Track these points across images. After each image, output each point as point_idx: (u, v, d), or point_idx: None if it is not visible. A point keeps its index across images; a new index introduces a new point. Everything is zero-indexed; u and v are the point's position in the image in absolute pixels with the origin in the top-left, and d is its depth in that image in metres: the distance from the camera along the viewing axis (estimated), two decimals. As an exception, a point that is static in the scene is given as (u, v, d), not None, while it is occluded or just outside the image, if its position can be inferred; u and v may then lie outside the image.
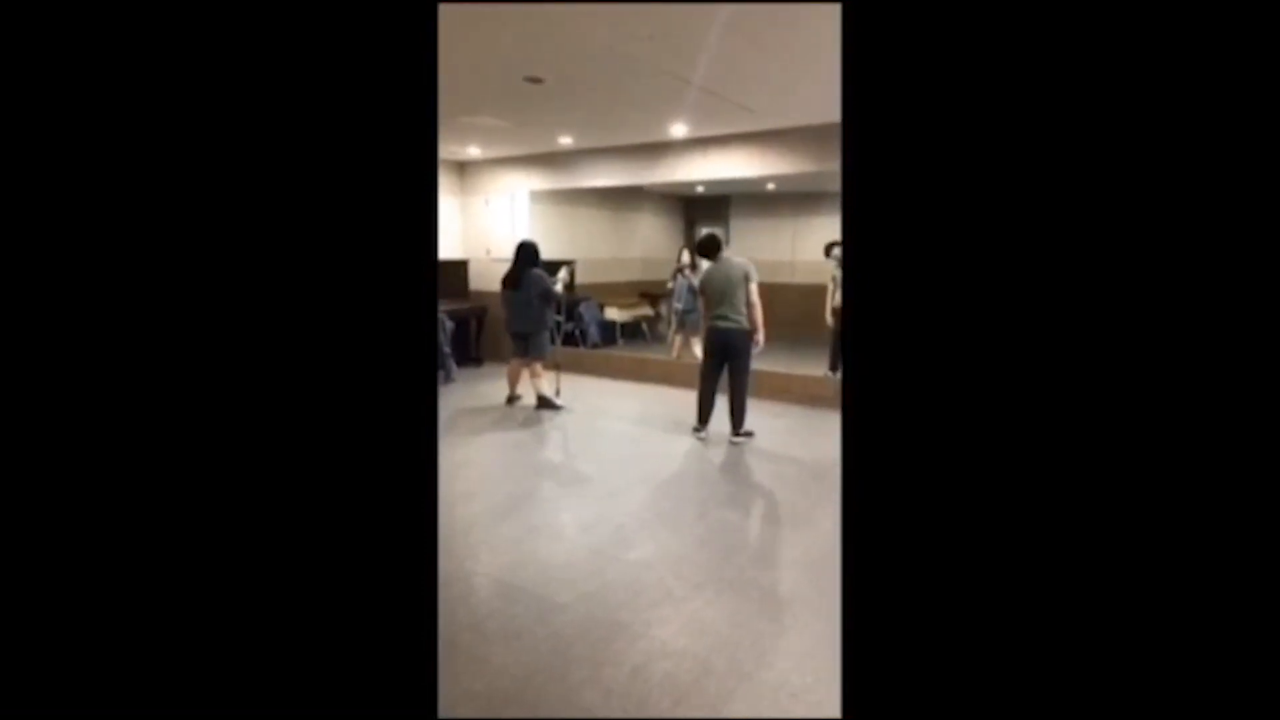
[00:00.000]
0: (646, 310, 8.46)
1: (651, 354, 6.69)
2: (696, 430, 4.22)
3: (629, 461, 3.81)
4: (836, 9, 2.64)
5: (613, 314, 7.91)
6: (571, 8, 2.66)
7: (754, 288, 3.90)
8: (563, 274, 5.01)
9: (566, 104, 4.31)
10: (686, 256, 5.97)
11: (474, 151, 6.31)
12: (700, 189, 8.77)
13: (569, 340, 7.03)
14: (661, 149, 5.73)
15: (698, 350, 6.19)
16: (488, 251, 6.92)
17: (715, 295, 3.95)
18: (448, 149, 6.17)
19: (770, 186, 7.97)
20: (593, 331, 7.40)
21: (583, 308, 7.37)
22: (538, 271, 4.75)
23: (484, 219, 7.00)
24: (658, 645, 2.00)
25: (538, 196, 6.92)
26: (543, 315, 4.80)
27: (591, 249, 8.36)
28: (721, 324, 3.93)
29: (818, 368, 5.62)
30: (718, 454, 3.96)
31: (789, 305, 8.02)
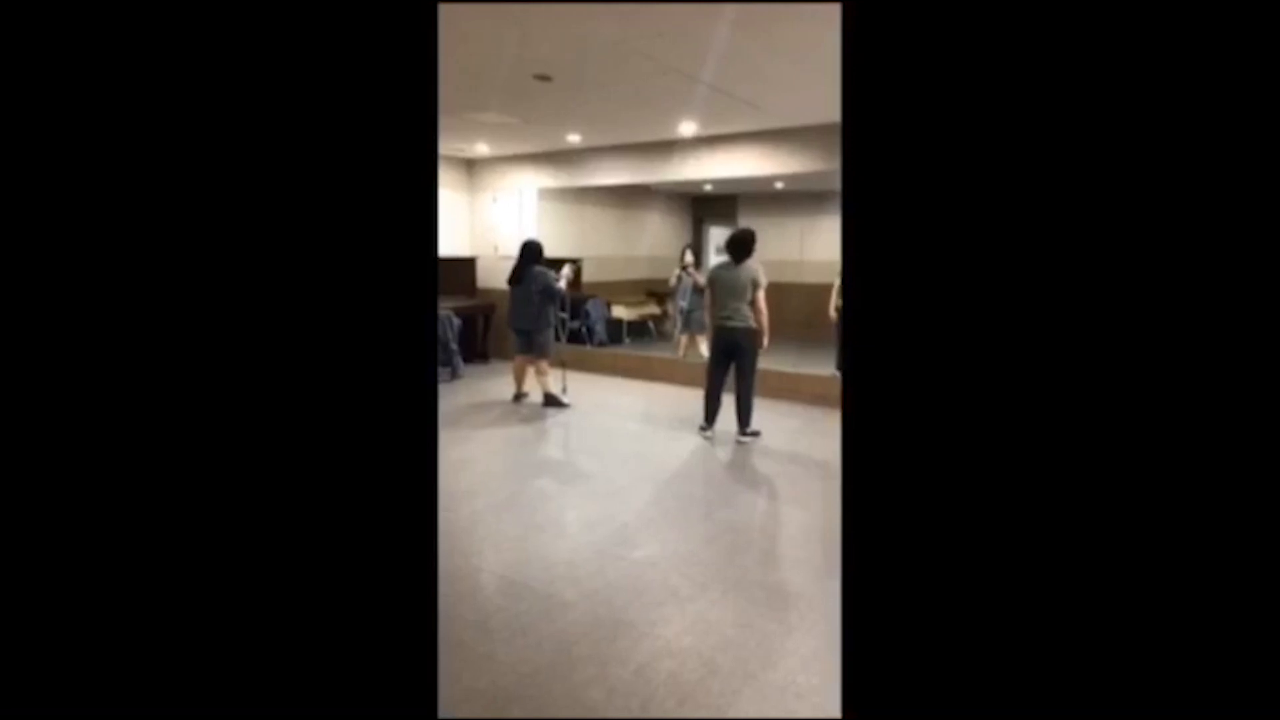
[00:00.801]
0: (653, 309, 8.45)
1: (658, 352, 6.68)
2: (703, 429, 4.22)
3: (634, 460, 3.80)
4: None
5: (619, 312, 7.91)
6: (580, 5, 2.65)
7: (761, 294, 3.90)
8: (565, 271, 5.01)
9: (575, 101, 4.30)
10: (690, 256, 5.96)
11: (482, 149, 6.31)
12: (708, 188, 8.75)
13: (575, 338, 7.02)
14: (670, 147, 5.71)
15: (704, 349, 6.19)
16: (495, 249, 6.92)
17: (722, 295, 3.94)
18: (456, 146, 6.17)
19: (779, 185, 7.94)
20: (599, 330, 7.40)
21: (589, 306, 7.37)
22: (540, 269, 4.77)
23: (492, 216, 7.00)
24: (662, 644, 1.99)
25: (546, 194, 6.92)
26: (545, 312, 4.82)
27: (599, 247, 8.36)
28: (728, 324, 3.93)
29: (825, 367, 5.60)
30: (724, 453, 3.95)
31: (797, 305, 7.99)
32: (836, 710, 1.70)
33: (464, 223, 7.11)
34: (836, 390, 5.13)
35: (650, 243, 9.35)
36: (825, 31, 2.94)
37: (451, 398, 5.27)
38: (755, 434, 4.11)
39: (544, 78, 3.69)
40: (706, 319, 4.57)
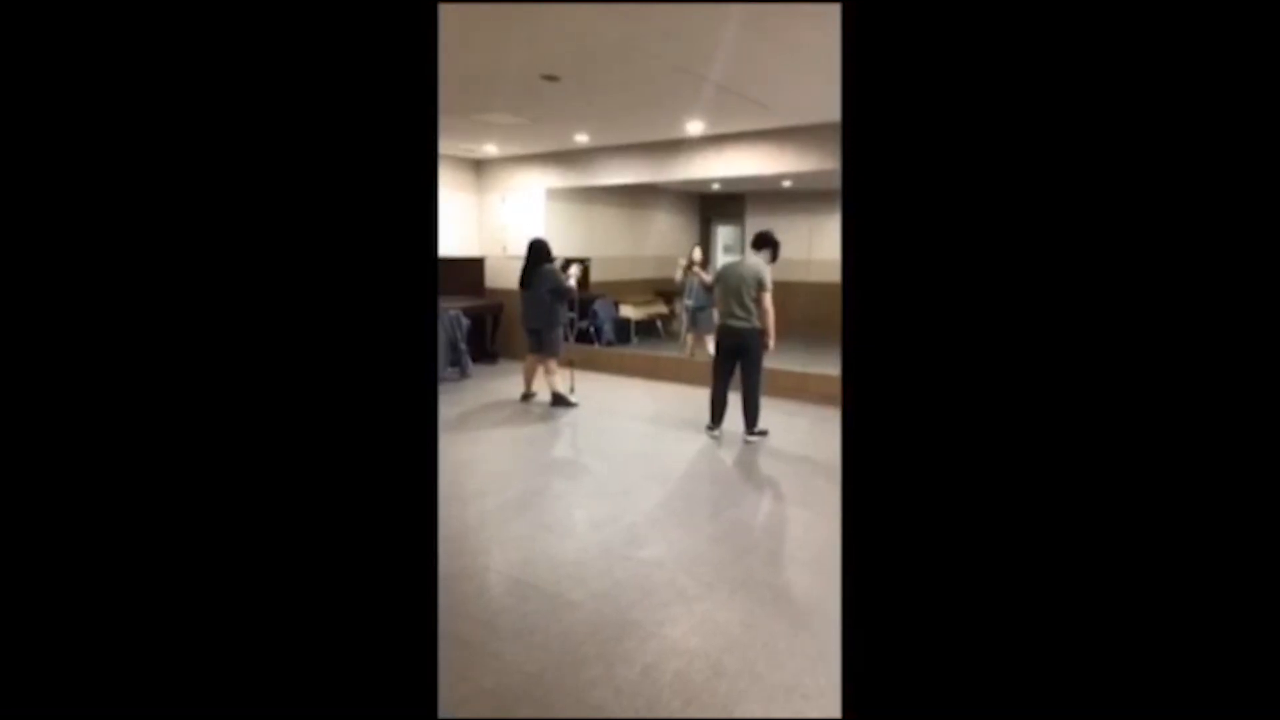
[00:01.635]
0: (662, 308, 8.45)
1: (666, 352, 6.68)
2: (710, 429, 4.21)
3: (641, 459, 3.80)
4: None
5: (628, 312, 7.91)
6: (587, 5, 2.65)
7: (767, 296, 3.86)
8: (573, 270, 5.02)
9: (583, 101, 4.30)
10: (698, 254, 5.95)
11: (490, 149, 6.33)
12: (716, 186, 8.74)
13: (584, 338, 7.03)
14: (677, 146, 5.71)
15: (711, 348, 6.19)
16: (504, 249, 6.94)
17: (727, 294, 3.94)
18: (464, 147, 6.19)
19: (786, 184, 7.92)
20: (607, 329, 7.40)
21: (598, 305, 7.38)
22: (549, 268, 4.78)
23: (500, 216, 7.02)
24: (669, 645, 1.99)
25: (554, 194, 6.93)
26: (555, 312, 4.84)
27: (607, 247, 8.36)
28: (732, 323, 3.92)
29: (833, 366, 5.59)
30: (730, 453, 3.94)
31: (804, 304, 7.97)
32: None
33: (472, 223, 7.13)
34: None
35: (658, 242, 9.35)
36: (831, 30, 2.93)
37: (460, 397, 5.29)
38: (763, 433, 4.10)
39: (551, 78, 3.69)
40: (715, 317, 4.57)
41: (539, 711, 1.70)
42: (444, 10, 2.51)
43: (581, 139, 5.78)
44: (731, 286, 3.92)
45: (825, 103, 4.27)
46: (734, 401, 4.12)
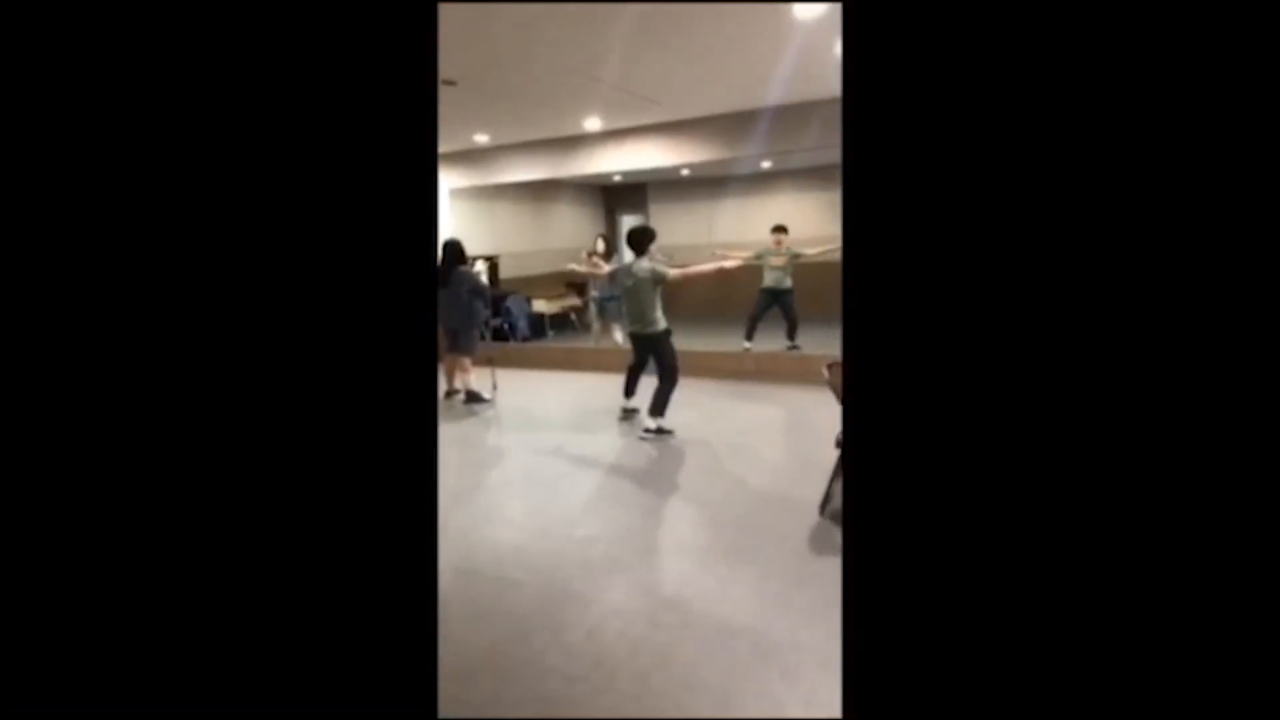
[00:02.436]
0: (574, 300, 8.58)
1: (581, 343, 6.85)
2: (625, 406, 4.45)
3: (568, 447, 3.97)
4: (728, 9, 2.86)
5: (540, 306, 8.00)
6: (480, 12, 2.77)
7: (672, 273, 3.94)
8: (480, 268, 5.13)
9: (481, 104, 4.38)
10: (601, 245, 6.15)
11: (387, 152, 6.25)
12: (618, 178, 8.93)
13: (499, 335, 7.08)
14: (577, 142, 5.86)
15: (618, 336, 6.43)
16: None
17: (627, 298, 4.05)
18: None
19: (684, 172, 8.21)
20: (522, 325, 7.48)
21: (510, 302, 7.43)
22: (465, 269, 4.85)
23: (403, 219, 6.93)
24: (610, 608, 2.19)
25: (457, 194, 6.92)
26: (472, 311, 4.92)
27: (514, 242, 8.41)
28: (636, 329, 4.08)
29: (735, 344, 5.94)
30: (648, 435, 4.17)
31: (706, 285, 8.29)
32: (811, 674, 1.95)
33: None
34: (748, 365, 5.49)
35: (564, 235, 9.47)
36: (712, 31, 3.17)
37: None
38: (665, 432, 4.06)
39: (450, 83, 3.76)
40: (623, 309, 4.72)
41: (500, 680, 1.85)
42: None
43: (482, 139, 5.83)
44: (629, 290, 3.99)
45: (711, 97, 4.54)
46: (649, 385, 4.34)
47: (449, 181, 6.62)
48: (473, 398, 5.07)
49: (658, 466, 3.60)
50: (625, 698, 1.76)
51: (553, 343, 7.35)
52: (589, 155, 5.86)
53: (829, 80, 4.16)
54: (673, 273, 3.96)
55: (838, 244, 6.48)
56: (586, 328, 8.06)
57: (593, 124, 5.33)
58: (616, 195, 10.32)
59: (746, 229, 8.44)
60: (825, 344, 5.59)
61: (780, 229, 5.93)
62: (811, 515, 2.84)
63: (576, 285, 8.69)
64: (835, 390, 2.84)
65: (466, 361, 5.02)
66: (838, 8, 2.91)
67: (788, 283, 5.88)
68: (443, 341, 5.04)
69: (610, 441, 4.07)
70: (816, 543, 2.61)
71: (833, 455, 2.93)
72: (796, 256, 5.85)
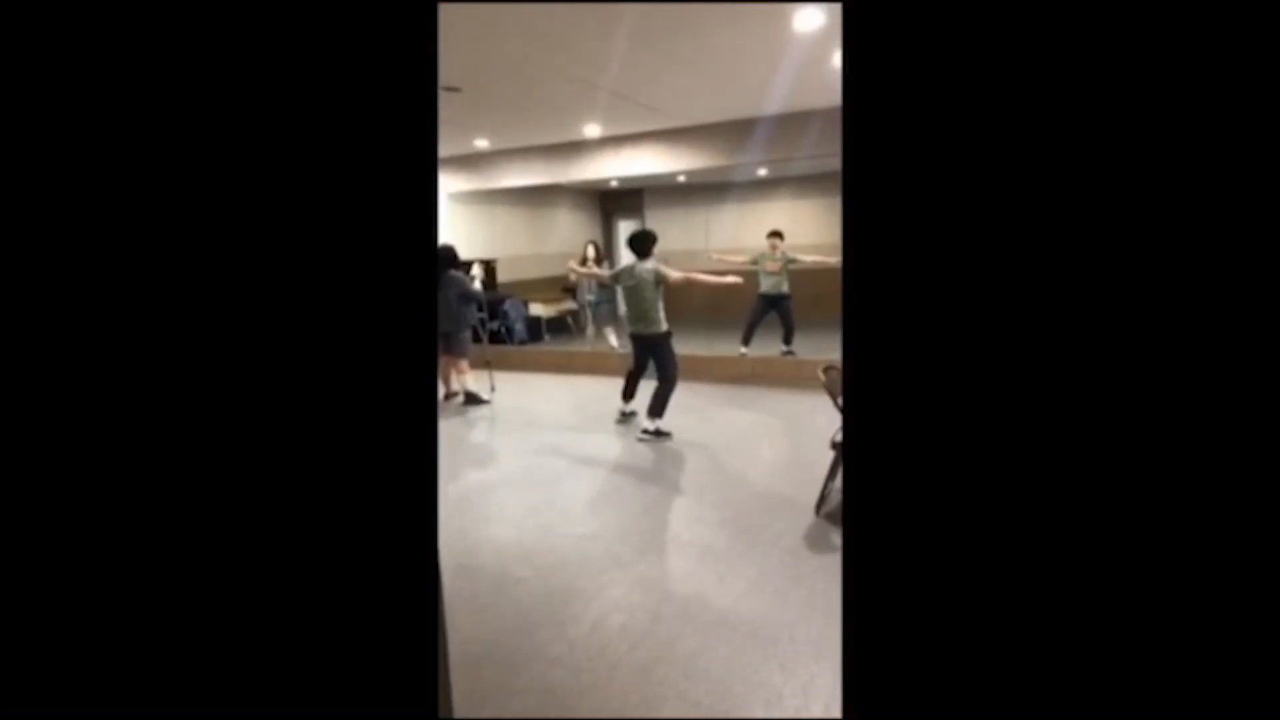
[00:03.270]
0: (571, 304, 8.64)
1: (577, 347, 6.91)
2: (623, 409, 4.50)
3: (565, 448, 4.03)
4: (728, 20, 2.94)
5: (537, 310, 8.06)
6: (487, 20, 2.83)
7: (674, 275, 4.01)
8: (475, 272, 5.20)
9: (482, 110, 4.45)
10: (591, 251, 6.23)
11: (388, 156, 6.31)
12: (615, 184, 9.01)
13: (496, 338, 7.14)
14: (576, 148, 5.93)
15: (612, 339, 6.51)
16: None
17: (628, 299, 4.13)
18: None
19: (681, 179, 8.29)
20: (519, 329, 7.53)
21: (508, 305, 7.49)
22: (456, 273, 4.93)
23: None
24: (611, 603, 2.24)
25: (457, 198, 6.98)
26: (463, 315, 4.99)
27: (512, 247, 8.47)
28: (636, 329, 4.15)
29: (734, 348, 6.00)
30: (646, 436, 4.23)
31: (705, 292, 8.36)
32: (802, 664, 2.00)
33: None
34: (745, 369, 5.55)
35: (562, 239, 9.53)
36: (714, 40, 3.25)
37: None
38: (663, 434, 4.12)
39: (453, 89, 3.83)
40: (620, 310, 4.79)
41: (503, 668, 1.90)
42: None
43: (482, 144, 5.89)
44: (631, 290, 4.07)
45: (711, 105, 4.62)
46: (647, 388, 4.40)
47: (448, 185, 6.68)
48: (471, 399, 5.13)
49: (656, 467, 3.66)
50: (628, 687, 1.81)
51: (549, 346, 7.40)
52: (588, 161, 5.93)
53: (825, 90, 4.24)
54: (675, 275, 4.02)
55: (832, 253, 6.61)
56: (583, 331, 8.12)
57: (592, 130, 5.40)
58: (613, 200, 10.39)
59: (743, 235, 8.52)
60: (820, 349, 5.67)
61: (776, 234, 6.02)
62: (807, 515, 2.90)
63: (572, 289, 8.76)
64: (831, 393, 2.91)
65: (464, 364, 5.09)
66: (836, 19, 2.99)
67: (784, 288, 5.95)
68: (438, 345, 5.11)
69: (609, 443, 4.12)
70: (812, 541, 2.67)
71: (828, 457, 2.99)
72: (792, 261, 5.92)
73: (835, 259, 6.38)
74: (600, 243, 8.43)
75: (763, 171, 8.18)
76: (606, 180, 8.05)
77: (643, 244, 4.08)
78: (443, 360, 5.19)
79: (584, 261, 5.72)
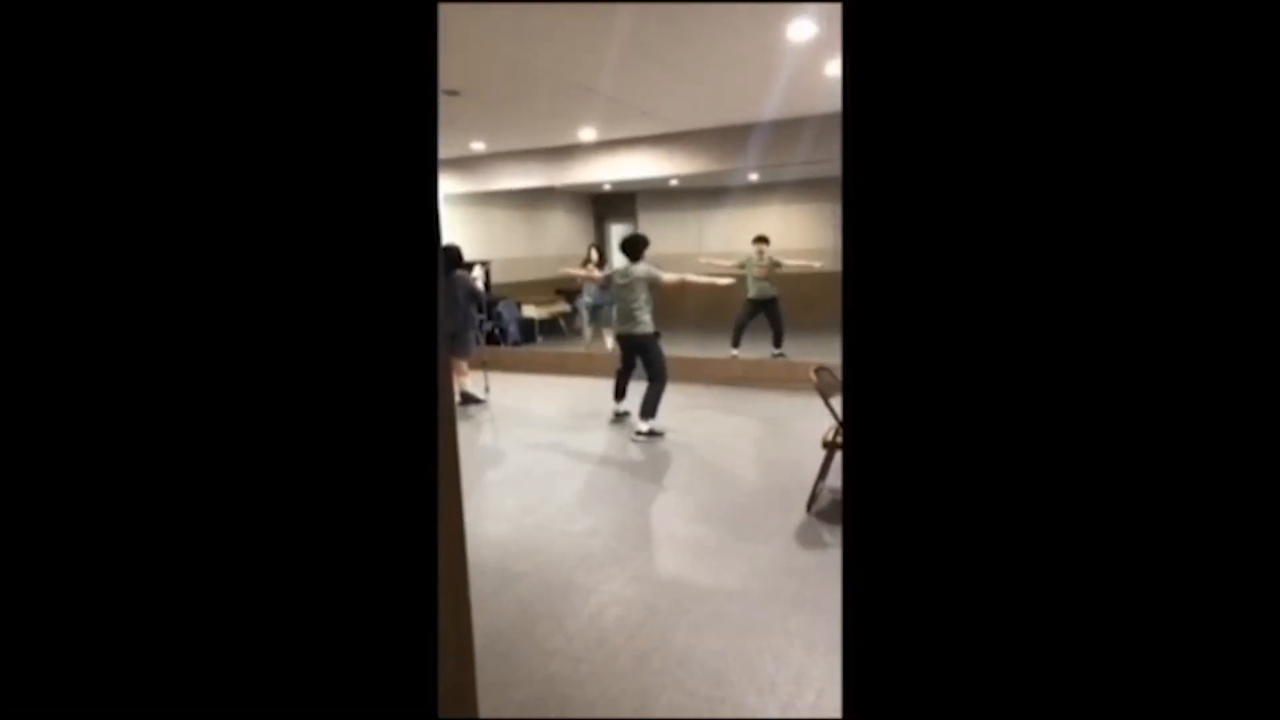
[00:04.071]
0: (564, 306, 8.70)
1: (570, 348, 6.96)
2: (616, 409, 4.57)
3: (560, 447, 4.08)
4: (719, 9, 3.00)
5: (530, 312, 8.12)
6: (479, 21, 2.89)
7: (666, 277, 4.13)
8: (476, 273, 5.26)
9: (479, 113, 4.50)
10: (595, 254, 6.30)
11: (383, 157, 6.34)
12: (608, 187, 9.07)
13: (490, 340, 7.18)
14: (571, 151, 5.99)
15: (609, 342, 6.57)
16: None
17: (618, 299, 4.22)
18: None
19: (674, 182, 8.37)
20: (513, 330, 7.58)
21: (502, 307, 7.54)
22: (462, 273, 4.97)
23: (396, 224, 7.02)
24: (608, 597, 2.30)
25: (452, 200, 7.02)
26: (469, 315, 5.03)
27: (507, 249, 8.51)
28: (624, 329, 4.23)
29: (723, 350, 6.08)
30: (640, 437, 4.29)
31: (695, 294, 8.45)
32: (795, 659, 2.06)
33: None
34: (736, 371, 5.63)
35: (555, 242, 9.59)
36: (709, 47, 3.32)
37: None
38: (656, 434, 4.16)
39: (452, 93, 3.88)
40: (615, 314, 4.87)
41: (503, 661, 1.96)
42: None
43: (478, 146, 5.94)
44: (622, 290, 4.16)
45: (704, 111, 4.69)
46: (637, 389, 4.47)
47: (445, 187, 6.72)
48: (468, 399, 5.18)
49: (650, 466, 3.72)
50: (625, 676, 1.87)
51: (542, 347, 7.45)
52: (583, 164, 5.99)
53: (819, 98, 4.32)
54: (667, 277, 4.10)
55: (820, 259, 6.71)
56: (576, 333, 8.18)
57: (587, 134, 5.46)
58: (606, 203, 10.46)
59: (735, 239, 8.59)
60: (811, 351, 5.75)
61: (762, 239, 6.11)
62: (799, 513, 2.97)
63: (566, 291, 8.82)
64: (822, 394, 2.98)
65: (463, 365, 5.14)
66: (829, 28, 3.07)
67: (772, 292, 6.05)
68: (440, 344, 5.14)
69: (603, 442, 4.18)
70: (804, 538, 2.74)
71: (819, 456, 3.06)
72: (777, 265, 6.02)
73: (819, 264, 6.53)
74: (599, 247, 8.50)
75: (754, 177, 8.27)
76: (600, 184, 8.13)
77: (635, 247, 4.18)
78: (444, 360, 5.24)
79: (586, 263, 5.79)
